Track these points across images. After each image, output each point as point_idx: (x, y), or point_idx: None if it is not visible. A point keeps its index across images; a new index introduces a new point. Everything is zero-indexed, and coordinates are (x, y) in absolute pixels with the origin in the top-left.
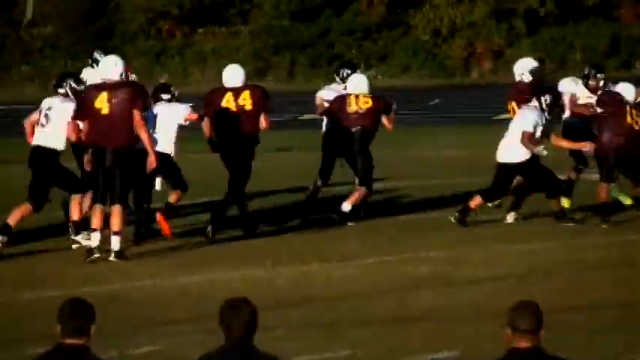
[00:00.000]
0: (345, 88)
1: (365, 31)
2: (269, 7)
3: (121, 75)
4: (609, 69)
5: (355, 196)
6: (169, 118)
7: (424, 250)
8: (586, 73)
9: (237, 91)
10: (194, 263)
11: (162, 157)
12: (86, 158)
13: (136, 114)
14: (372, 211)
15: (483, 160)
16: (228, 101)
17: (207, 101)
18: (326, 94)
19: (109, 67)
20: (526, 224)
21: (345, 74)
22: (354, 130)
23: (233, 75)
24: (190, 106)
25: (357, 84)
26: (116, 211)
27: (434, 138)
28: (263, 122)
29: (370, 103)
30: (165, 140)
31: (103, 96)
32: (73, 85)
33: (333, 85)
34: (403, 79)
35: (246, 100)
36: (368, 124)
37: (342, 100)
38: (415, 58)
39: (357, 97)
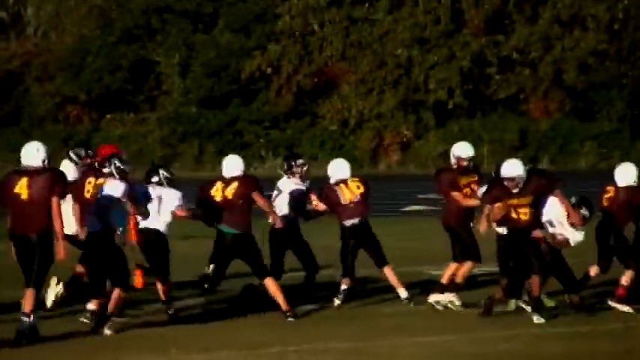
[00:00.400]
0: (302, 179)
1: (273, 120)
2: (177, 94)
3: (44, 161)
4: None
5: (394, 279)
6: (162, 201)
7: (328, 340)
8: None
9: (227, 182)
10: (101, 349)
11: (156, 235)
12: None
13: (54, 201)
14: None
15: (391, 251)
16: (217, 190)
17: (199, 194)
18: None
19: (31, 154)
20: (431, 317)
21: (288, 166)
22: (356, 222)
23: (231, 165)
24: (182, 197)
25: (342, 169)
26: (29, 294)
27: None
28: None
29: (362, 188)
30: (158, 221)
31: (23, 181)
32: (118, 164)
33: (284, 180)
34: (310, 169)
35: (231, 192)
36: (365, 210)
37: (331, 192)
38: (322, 148)
39: (346, 184)
